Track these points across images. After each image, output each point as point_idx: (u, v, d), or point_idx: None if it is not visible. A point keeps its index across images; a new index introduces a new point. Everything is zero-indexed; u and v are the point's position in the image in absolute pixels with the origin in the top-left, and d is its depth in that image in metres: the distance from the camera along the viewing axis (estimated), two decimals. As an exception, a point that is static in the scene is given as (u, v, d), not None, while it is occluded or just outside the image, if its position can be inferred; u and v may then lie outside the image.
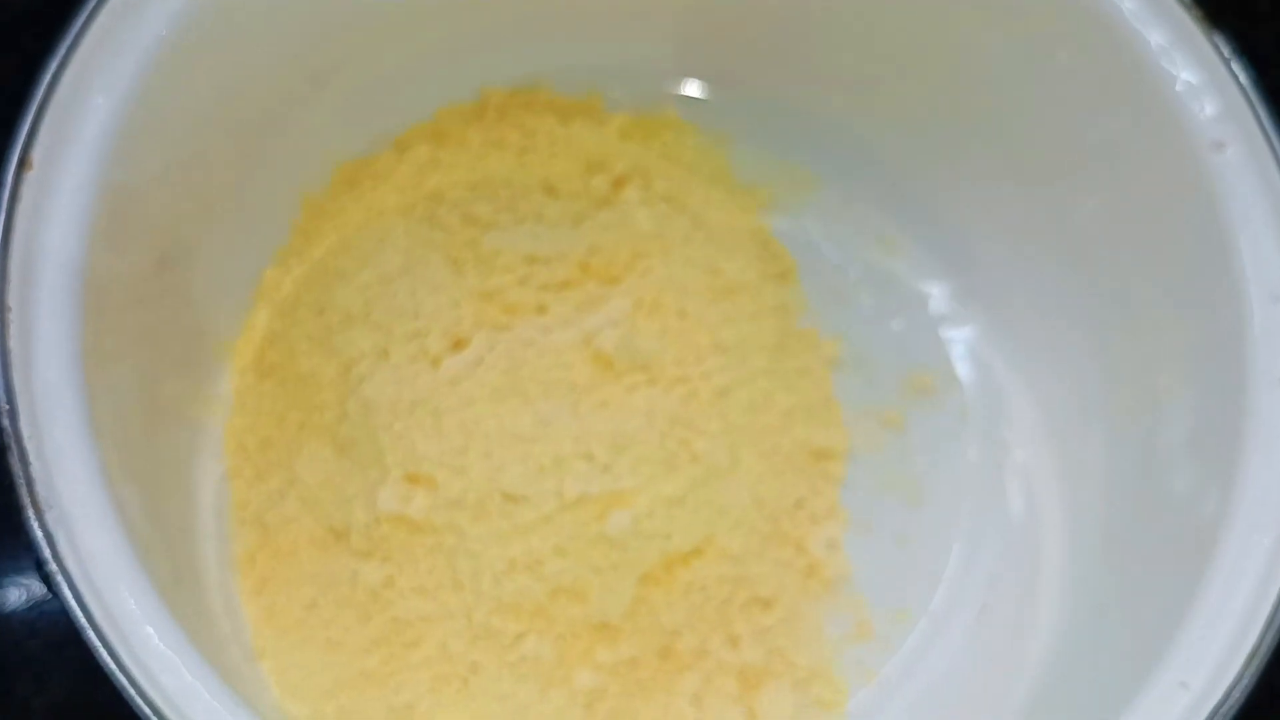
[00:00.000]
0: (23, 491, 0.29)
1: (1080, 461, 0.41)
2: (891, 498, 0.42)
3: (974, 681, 0.40)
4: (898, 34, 0.40)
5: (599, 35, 0.42)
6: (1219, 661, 0.31)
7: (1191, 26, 0.35)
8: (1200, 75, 0.34)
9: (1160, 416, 0.37)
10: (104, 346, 0.33)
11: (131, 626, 0.28)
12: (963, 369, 0.44)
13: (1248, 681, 0.31)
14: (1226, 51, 0.34)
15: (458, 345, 0.38)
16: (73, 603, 0.28)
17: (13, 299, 0.30)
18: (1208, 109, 0.34)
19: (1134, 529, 0.38)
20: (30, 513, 0.29)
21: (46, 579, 0.28)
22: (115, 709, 0.28)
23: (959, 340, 0.44)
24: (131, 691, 0.28)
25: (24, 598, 0.40)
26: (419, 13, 0.40)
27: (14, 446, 0.29)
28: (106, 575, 0.29)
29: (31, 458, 0.29)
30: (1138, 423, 0.38)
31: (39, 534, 0.28)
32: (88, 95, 0.32)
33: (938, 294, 0.44)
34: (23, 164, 0.31)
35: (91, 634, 0.28)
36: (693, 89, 0.44)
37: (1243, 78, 0.34)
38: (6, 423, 0.29)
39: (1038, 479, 0.42)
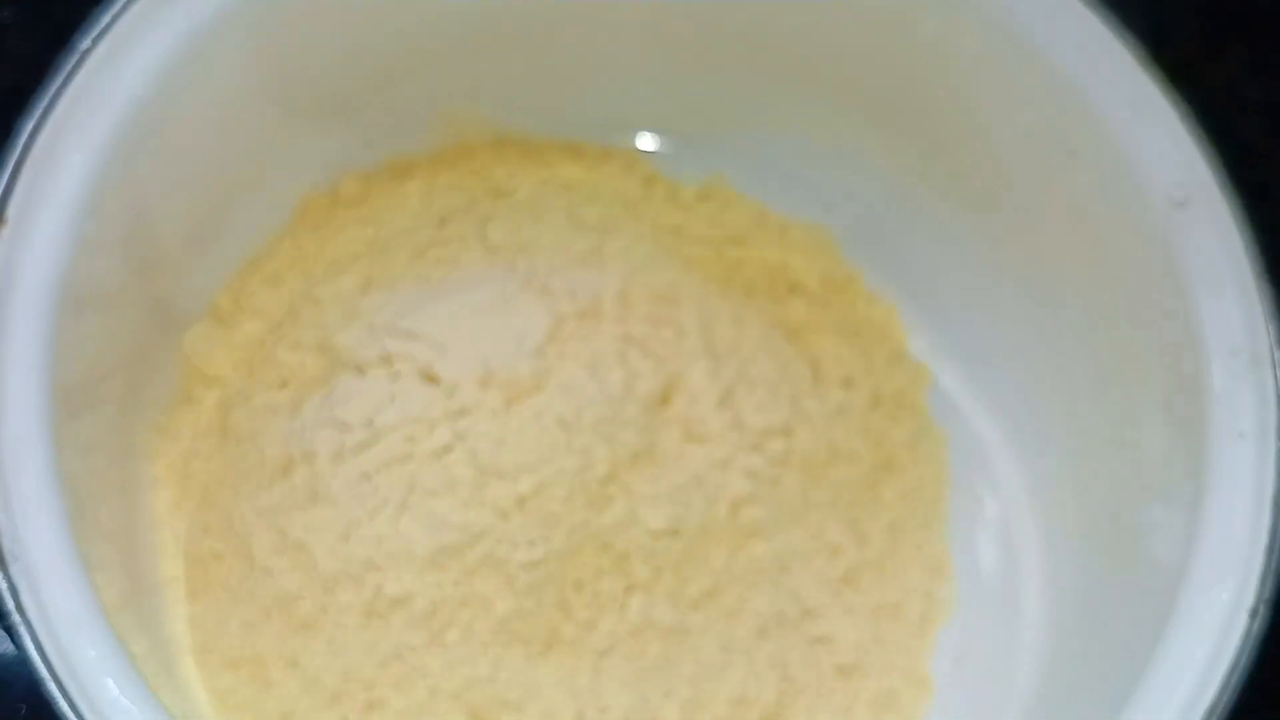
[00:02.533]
0: (-12, 544, 0.29)
1: (1054, 513, 0.41)
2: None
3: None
4: (869, 91, 0.41)
5: (564, 89, 0.44)
6: (1178, 716, 0.31)
7: (1151, 87, 0.35)
8: (1160, 134, 0.35)
9: (1128, 469, 0.37)
10: (77, 399, 0.34)
11: (91, 677, 0.29)
12: (937, 418, 0.44)
13: (1207, 736, 0.31)
14: (1185, 111, 0.35)
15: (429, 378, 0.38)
16: (34, 653, 0.28)
17: (-16, 353, 0.31)
18: (1167, 166, 0.35)
19: (1105, 582, 0.38)
20: (-6, 563, 0.29)
21: (9, 629, 0.29)
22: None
23: (934, 390, 0.44)
24: (90, 742, 0.28)
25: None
26: (399, 66, 0.41)
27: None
28: (68, 626, 0.29)
29: (-1, 509, 0.30)
30: (1108, 476, 0.38)
31: (3, 585, 0.29)
32: (63, 153, 0.33)
33: (914, 345, 0.45)
34: (-2, 221, 0.32)
35: (52, 685, 0.28)
36: (650, 142, 0.45)
37: (1202, 136, 0.35)
38: (-27, 476, 0.30)
39: (1012, 530, 0.42)
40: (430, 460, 0.36)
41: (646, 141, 0.46)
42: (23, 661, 0.28)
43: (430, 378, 0.37)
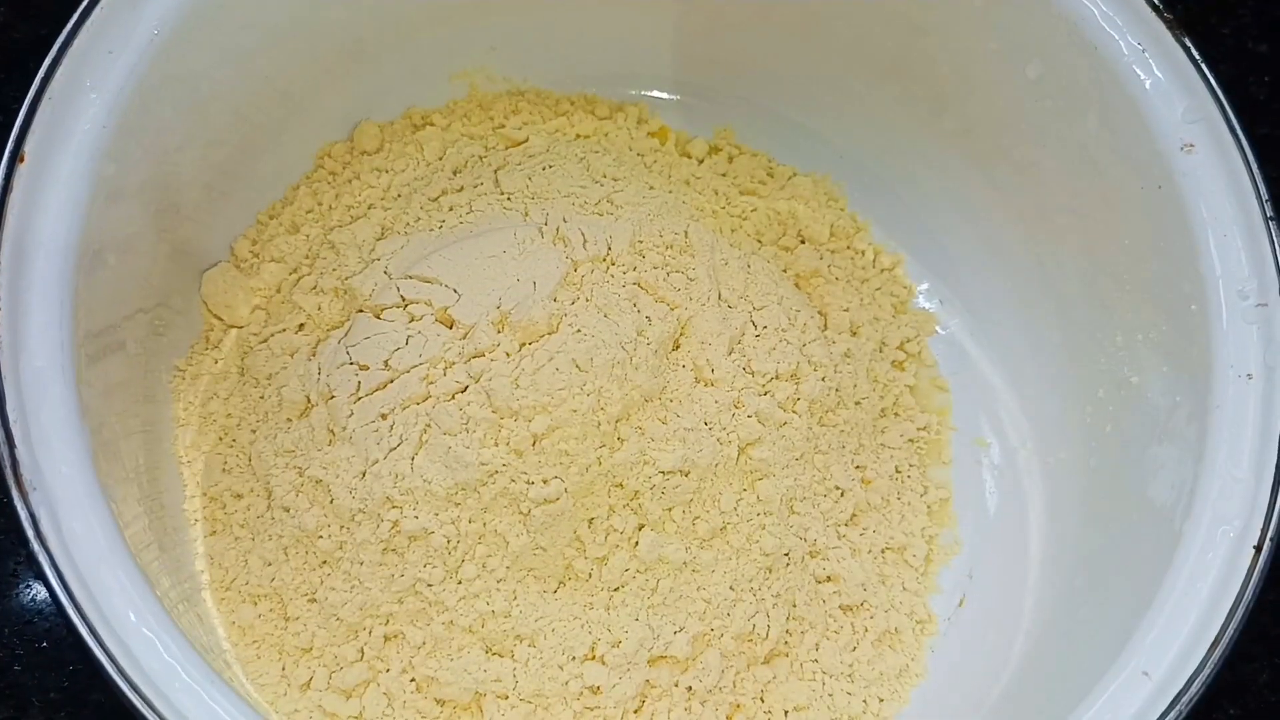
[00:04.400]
0: (8, 474, 0.29)
1: (1057, 457, 0.41)
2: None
3: (954, 670, 0.40)
4: (878, 43, 0.41)
5: (578, 44, 0.44)
6: (1182, 651, 0.31)
7: (1161, 31, 0.35)
8: (1169, 78, 0.35)
9: (1132, 412, 0.38)
10: (98, 340, 0.34)
11: (111, 606, 0.29)
12: (943, 366, 0.44)
13: (1210, 670, 0.31)
14: (1195, 55, 0.35)
15: (445, 321, 0.38)
16: (54, 580, 0.29)
17: (4, 289, 0.31)
18: (1177, 111, 0.35)
19: (1108, 522, 0.38)
20: (15, 494, 0.29)
21: (29, 558, 0.29)
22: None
23: (940, 338, 0.45)
24: (110, 669, 0.28)
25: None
26: (418, 20, 0.42)
27: (0, 431, 0.30)
28: (88, 555, 0.29)
29: (17, 441, 0.30)
30: (1112, 419, 0.39)
31: (23, 514, 0.29)
32: (81, 91, 0.33)
33: (920, 293, 0.45)
34: (16, 157, 0.32)
35: (72, 612, 0.28)
36: (661, 96, 0.46)
37: (1211, 80, 0.35)
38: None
39: (1016, 474, 0.42)
40: (446, 400, 0.36)
41: (658, 95, 0.46)
42: (47, 602, 0.28)
43: (446, 321, 0.37)
